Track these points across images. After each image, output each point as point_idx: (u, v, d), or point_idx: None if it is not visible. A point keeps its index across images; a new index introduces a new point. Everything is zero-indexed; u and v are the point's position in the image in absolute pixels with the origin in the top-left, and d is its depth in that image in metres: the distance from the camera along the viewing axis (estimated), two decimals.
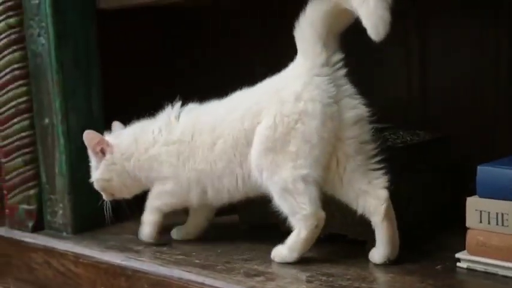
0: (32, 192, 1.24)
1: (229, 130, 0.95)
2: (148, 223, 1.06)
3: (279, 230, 1.07)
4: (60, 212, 1.20)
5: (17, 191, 1.26)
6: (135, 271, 0.99)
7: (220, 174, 0.97)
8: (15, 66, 1.21)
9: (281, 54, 0.90)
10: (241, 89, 0.99)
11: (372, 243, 0.91)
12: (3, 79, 1.23)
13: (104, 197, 1.09)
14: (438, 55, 1.18)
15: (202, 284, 0.90)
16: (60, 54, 1.15)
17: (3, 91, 1.23)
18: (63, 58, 1.16)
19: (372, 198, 0.87)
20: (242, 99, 0.96)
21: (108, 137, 1.09)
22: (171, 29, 1.47)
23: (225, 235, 1.10)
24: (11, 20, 1.20)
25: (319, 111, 0.87)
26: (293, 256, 0.92)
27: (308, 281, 0.86)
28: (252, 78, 0.98)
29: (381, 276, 0.86)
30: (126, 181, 1.06)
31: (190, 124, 1.01)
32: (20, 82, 1.21)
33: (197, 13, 1.43)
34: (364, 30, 0.83)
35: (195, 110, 1.03)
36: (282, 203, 0.91)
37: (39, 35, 1.17)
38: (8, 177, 1.26)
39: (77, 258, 1.09)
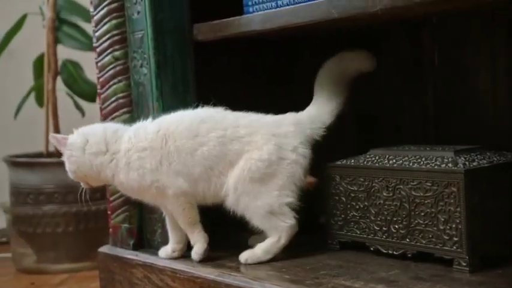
0: (133, 212, 1.32)
1: (215, 142, 1.10)
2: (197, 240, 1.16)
3: (366, 248, 1.10)
4: (159, 231, 1.28)
5: (119, 211, 1.34)
6: (228, 285, 1.04)
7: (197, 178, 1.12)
8: (120, 95, 1.31)
9: None
10: None
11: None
12: (109, 107, 1.33)
13: (82, 185, 1.20)
14: None
15: None
16: (160, 83, 1.24)
17: (109, 118, 1.33)
18: (163, 86, 1.25)
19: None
20: (234, 122, 1.13)
21: (74, 133, 1.18)
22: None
23: (313, 253, 1.14)
24: (117, 53, 1.31)
25: (304, 163, 1.12)
26: (267, 257, 1.11)
27: None
28: None
29: None
30: (89, 173, 1.16)
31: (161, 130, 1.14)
32: (124, 110, 1.31)
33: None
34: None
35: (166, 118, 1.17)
36: (264, 222, 1.10)
37: (141, 66, 1.26)
38: (112, 198, 1.36)
39: (174, 273, 1.16)
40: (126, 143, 1.15)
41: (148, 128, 1.16)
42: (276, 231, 1.10)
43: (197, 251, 1.16)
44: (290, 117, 1.16)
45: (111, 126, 1.21)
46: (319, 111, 1.16)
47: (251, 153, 1.10)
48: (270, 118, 1.16)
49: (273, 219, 1.10)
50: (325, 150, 1.16)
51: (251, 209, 1.10)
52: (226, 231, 1.24)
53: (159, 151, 1.12)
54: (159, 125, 1.16)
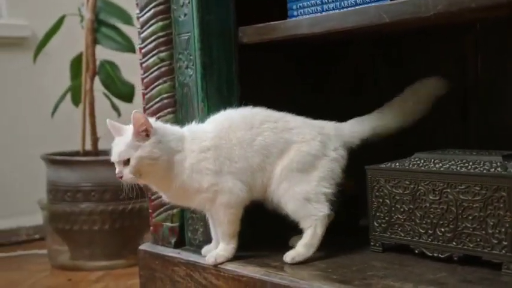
0: (174, 211, 1.34)
1: (269, 132, 1.16)
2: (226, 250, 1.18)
3: (410, 251, 1.11)
4: (201, 230, 1.29)
5: (161, 210, 1.36)
6: (275, 285, 1.05)
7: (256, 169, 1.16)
8: (164, 95, 1.33)
9: None
10: None
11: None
12: (154, 107, 1.35)
13: (127, 180, 1.11)
14: None
15: None
16: (205, 84, 1.26)
17: (153, 118, 1.35)
18: (208, 87, 1.26)
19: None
20: (282, 116, 1.19)
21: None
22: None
23: (356, 255, 1.15)
24: (162, 55, 1.33)
25: (342, 163, 1.18)
26: (310, 251, 1.14)
27: None
28: None
29: None
30: (161, 165, 1.11)
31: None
32: (169, 110, 1.33)
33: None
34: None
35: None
36: (299, 208, 1.14)
37: (187, 67, 1.28)
38: (153, 197, 1.38)
39: (218, 271, 1.17)
40: (190, 143, 1.15)
41: (205, 127, 1.18)
42: (310, 219, 1.14)
43: (218, 259, 1.18)
44: (331, 123, 1.22)
45: (174, 126, 1.19)
46: (364, 124, 1.21)
47: (300, 145, 1.16)
48: (312, 120, 1.21)
49: (308, 206, 1.14)
50: (364, 152, 1.19)
51: (289, 194, 1.14)
52: (265, 230, 1.26)
53: (224, 147, 1.15)
54: (213, 122, 1.19)
